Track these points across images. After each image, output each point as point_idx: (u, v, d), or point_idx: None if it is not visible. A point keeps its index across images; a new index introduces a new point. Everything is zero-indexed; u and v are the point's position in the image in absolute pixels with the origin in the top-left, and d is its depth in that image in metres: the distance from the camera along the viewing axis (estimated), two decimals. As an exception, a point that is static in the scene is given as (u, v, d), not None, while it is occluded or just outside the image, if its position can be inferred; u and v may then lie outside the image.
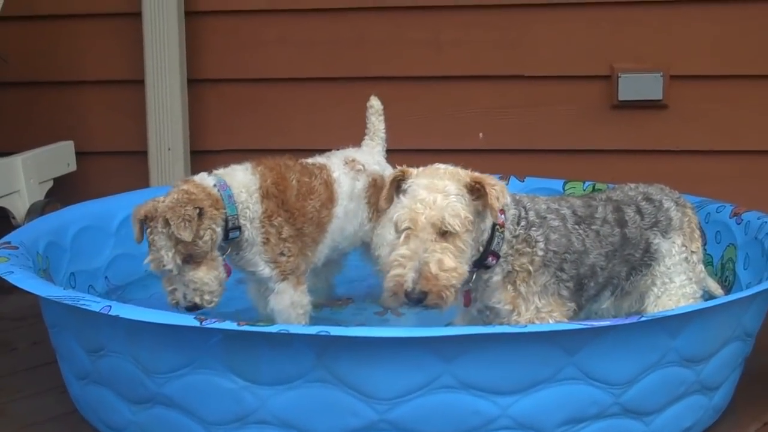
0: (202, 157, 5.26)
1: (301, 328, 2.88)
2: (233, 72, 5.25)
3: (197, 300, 3.35)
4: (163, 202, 3.33)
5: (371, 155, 4.02)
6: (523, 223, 3.05)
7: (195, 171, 5.15)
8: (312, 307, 3.70)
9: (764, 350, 3.55)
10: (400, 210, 2.86)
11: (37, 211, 4.74)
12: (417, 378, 2.76)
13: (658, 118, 4.96)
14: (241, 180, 3.54)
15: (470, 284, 3.04)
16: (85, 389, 3.21)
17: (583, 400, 2.87)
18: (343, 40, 5.13)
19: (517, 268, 3.03)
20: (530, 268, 3.03)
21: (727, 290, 3.76)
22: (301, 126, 5.20)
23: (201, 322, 2.77)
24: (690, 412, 3.09)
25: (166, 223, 3.28)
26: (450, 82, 5.11)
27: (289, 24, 5.17)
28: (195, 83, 5.23)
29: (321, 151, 4.01)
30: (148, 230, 3.34)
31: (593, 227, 3.17)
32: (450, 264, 2.81)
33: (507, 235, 3.02)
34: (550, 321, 3.03)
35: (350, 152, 3.98)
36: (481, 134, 5.09)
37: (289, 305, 3.60)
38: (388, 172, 3.99)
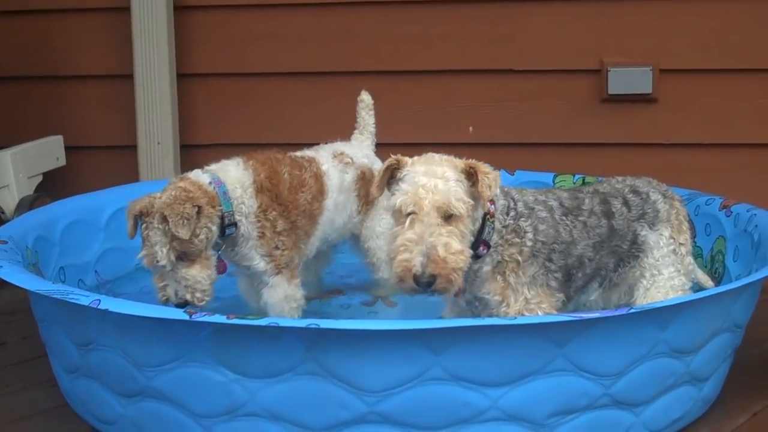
0: (191, 152, 5.26)
1: (290, 321, 2.87)
2: (223, 66, 5.24)
3: (188, 297, 3.34)
4: (160, 198, 3.32)
5: (359, 148, 4.03)
6: (512, 213, 3.06)
7: (185, 165, 5.20)
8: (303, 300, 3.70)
9: (753, 342, 3.57)
10: (402, 195, 2.87)
11: (26, 205, 4.73)
12: (407, 370, 2.76)
13: (647, 112, 4.96)
14: (234, 175, 3.53)
15: None
16: (75, 383, 3.20)
17: (573, 392, 2.87)
18: (333, 34, 5.13)
19: (507, 258, 3.04)
20: (519, 258, 3.04)
21: (717, 282, 3.77)
22: (291, 120, 5.20)
23: (190, 316, 2.77)
24: (680, 404, 3.10)
25: (163, 219, 3.27)
26: (440, 77, 5.11)
27: (279, 19, 5.16)
28: (184, 78, 5.22)
29: (311, 145, 4.01)
30: (144, 226, 3.33)
31: (580, 218, 3.18)
32: (457, 247, 2.82)
33: (497, 225, 3.03)
34: (539, 312, 3.04)
35: (338, 146, 3.98)
36: (471, 128, 5.09)
37: (283, 299, 3.60)
38: (377, 165, 4.00)
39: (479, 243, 2.99)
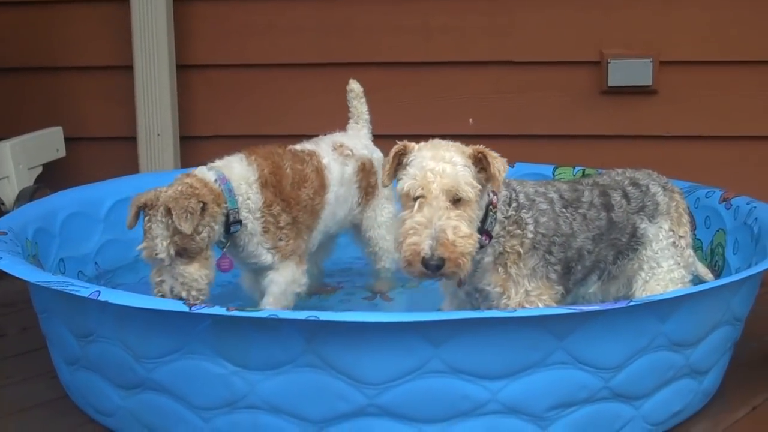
0: (191, 143, 5.26)
1: (290, 313, 2.87)
2: (222, 58, 5.24)
3: (184, 294, 3.32)
4: (166, 192, 3.31)
5: (358, 139, 4.02)
6: (514, 204, 3.06)
7: (184, 157, 5.20)
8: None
9: (753, 335, 3.57)
10: (410, 180, 2.86)
11: (26, 197, 4.73)
12: (406, 363, 2.76)
13: (647, 104, 4.96)
14: (239, 172, 3.51)
15: None
16: (75, 375, 3.20)
17: (572, 385, 2.87)
18: (333, 26, 5.12)
19: (508, 250, 3.03)
20: (520, 250, 3.03)
21: (717, 275, 3.77)
22: (291, 112, 5.19)
23: (190, 308, 2.76)
24: (679, 396, 3.10)
25: (168, 212, 3.25)
26: (439, 68, 5.10)
27: (279, 10, 5.16)
28: (184, 69, 5.22)
29: (310, 137, 4.01)
30: (147, 218, 3.31)
31: (580, 211, 3.17)
32: (466, 230, 2.82)
33: (499, 215, 3.03)
34: (540, 304, 3.04)
35: (337, 137, 3.97)
36: (471, 120, 5.09)
37: (291, 280, 3.59)
38: (377, 155, 4.00)
39: (482, 233, 2.99)
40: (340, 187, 3.81)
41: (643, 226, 3.31)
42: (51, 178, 5.06)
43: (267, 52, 5.19)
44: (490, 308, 3.10)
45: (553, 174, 4.42)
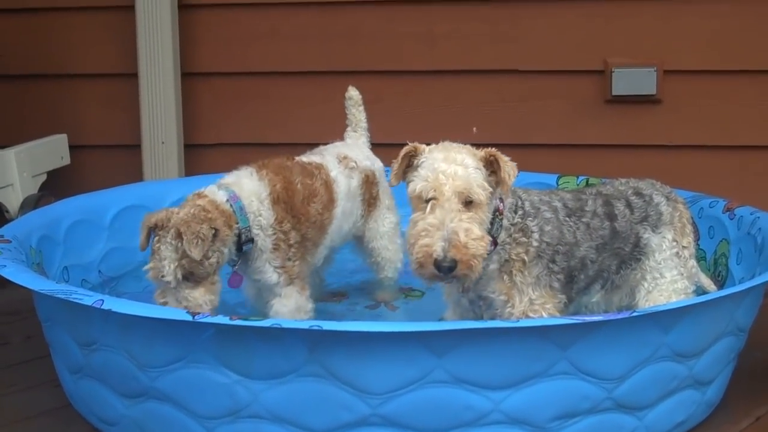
0: (195, 151, 5.26)
1: (293, 322, 2.87)
2: (226, 66, 5.24)
3: None
4: (178, 214, 3.27)
5: (360, 150, 4.00)
6: (520, 212, 3.06)
7: (188, 165, 5.20)
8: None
9: (757, 345, 3.57)
10: (422, 182, 2.86)
11: (30, 204, 4.74)
12: (409, 372, 2.76)
13: (651, 113, 4.96)
14: (249, 188, 3.47)
15: None
16: (79, 383, 3.20)
17: (575, 395, 2.87)
18: (337, 33, 5.13)
19: (514, 257, 3.03)
20: (525, 258, 3.03)
21: (720, 285, 3.77)
22: (294, 120, 5.20)
23: (194, 317, 2.77)
24: (683, 407, 3.10)
25: (178, 235, 3.21)
26: (443, 76, 5.11)
27: (282, 18, 5.17)
28: (188, 77, 5.23)
29: (314, 145, 4.01)
30: (156, 238, 3.27)
31: (583, 220, 3.17)
32: (478, 233, 2.82)
33: (505, 222, 3.03)
34: (543, 313, 3.04)
35: (340, 148, 3.94)
36: (474, 128, 5.09)
37: (295, 309, 3.54)
38: (378, 165, 3.99)
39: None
40: (347, 201, 3.79)
41: (646, 236, 3.30)
42: (55, 185, 5.07)
43: (271, 60, 5.19)
44: (493, 316, 3.10)
45: (557, 183, 4.43)
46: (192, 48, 5.22)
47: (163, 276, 3.25)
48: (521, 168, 4.43)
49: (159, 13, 5.06)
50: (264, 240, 3.47)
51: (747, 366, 3.50)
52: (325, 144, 4.00)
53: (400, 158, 2.96)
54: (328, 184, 3.69)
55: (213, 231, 3.26)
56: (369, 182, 3.89)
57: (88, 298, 2.89)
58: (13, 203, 4.80)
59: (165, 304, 3.29)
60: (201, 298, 3.28)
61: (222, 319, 2.77)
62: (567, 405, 2.87)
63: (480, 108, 5.09)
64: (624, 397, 2.93)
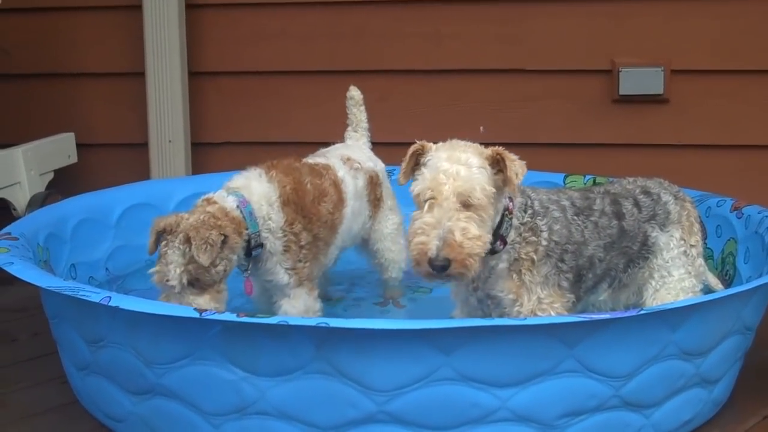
0: (202, 150, 5.27)
1: (300, 319, 2.87)
2: (233, 65, 5.25)
3: None
4: (187, 219, 3.25)
5: (361, 151, 3.99)
6: (529, 211, 3.05)
7: (195, 163, 5.21)
8: None
9: (764, 344, 3.56)
10: (421, 184, 2.86)
11: (37, 202, 4.75)
12: (416, 370, 2.76)
13: (658, 113, 4.96)
14: (259, 191, 3.44)
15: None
16: (86, 380, 3.21)
17: (582, 393, 2.87)
18: (343, 33, 5.13)
19: (523, 256, 3.03)
20: (534, 257, 3.03)
21: (728, 284, 3.76)
22: (301, 119, 5.20)
23: (201, 314, 2.77)
24: (690, 406, 3.09)
25: (187, 240, 3.20)
26: (450, 76, 5.11)
27: (289, 17, 5.17)
28: (195, 76, 5.24)
29: (321, 144, 4.01)
30: (164, 243, 3.25)
31: (591, 218, 3.17)
32: (475, 232, 2.81)
33: (515, 221, 3.02)
34: (552, 312, 3.03)
35: (342, 150, 3.93)
36: (482, 128, 5.09)
37: (304, 311, 3.53)
38: (380, 166, 3.99)
39: (497, 238, 2.99)
40: (356, 201, 3.77)
41: (654, 234, 3.30)
42: (62, 183, 5.08)
43: (278, 59, 5.20)
44: (502, 315, 3.09)
45: (564, 182, 4.42)
46: (199, 47, 5.23)
47: (167, 280, 3.23)
48: (528, 167, 4.45)
49: (166, 13, 5.07)
50: (273, 243, 3.45)
51: (754, 365, 3.50)
52: (329, 145, 4.00)
53: (408, 157, 2.96)
54: (336, 184, 3.68)
55: (222, 238, 3.24)
56: (373, 183, 3.89)
57: (95, 295, 2.89)
58: (20, 201, 4.81)
59: None
60: (206, 305, 3.24)
61: (229, 316, 2.77)
62: (574, 403, 2.87)
63: (487, 107, 5.09)
64: (631, 395, 2.93)
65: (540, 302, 3.04)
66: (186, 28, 5.16)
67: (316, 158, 3.83)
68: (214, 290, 3.28)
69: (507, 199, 3.01)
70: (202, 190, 3.52)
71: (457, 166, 2.85)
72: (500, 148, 2.94)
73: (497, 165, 2.91)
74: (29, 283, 3.08)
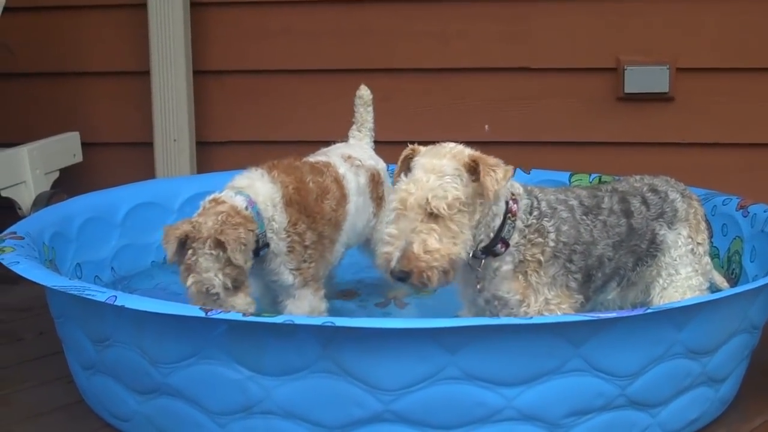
0: (207, 148, 5.27)
1: (306, 318, 2.87)
2: (238, 63, 5.25)
3: None
4: (206, 223, 3.19)
5: (363, 150, 3.98)
6: (535, 213, 3.04)
7: (200, 162, 5.21)
8: None
9: (770, 343, 3.56)
10: (396, 192, 2.90)
11: (43, 201, 4.75)
12: (422, 369, 2.76)
13: (664, 111, 4.95)
14: (263, 192, 3.41)
15: (479, 270, 3.03)
16: (91, 379, 3.21)
17: (588, 392, 2.86)
18: (349, 31, 5.13)
19: (529, 258, 3.02)
20: (541, 258, 3.02)
21: (734, 283, 3.76)
22: (306, 117, 5.20)
23: (206, 313, 2.77)
24: (696, 404, 3.09)
25: (218, 244, 3.15)
26: (456, 74, 5.10)
27: (294, 15, 5.17)
28: (200, 74, 5.23)
29: (325, 143, 4.01)
30: (190, 252, 3.18)
31: (600, 217, 3.16)
32: (434, 245, 2.81)
33: (519, 224, 3.02)
34: (559, 312, 3.03)
35: (343, 149, 3.92)
36: (487, 126, 5.08)
37: (309, 311, 3.52)
38: (381, 165, 3.99)
39: (498, 240, 2.98)
40: (359, 197, 3.77)
41: (662, 232, 3.29)
42: (68, 182, 5.08)
43: (283, 58, 5.20)
44: (509, 316, 3.09)
45: (570, 181, 4.42)
46: (204, 46, 5.23)
47: (209, 288, 3.19)
48: (533, 165, 4.48)
49: (171, 11, 5.07)
50: (278, 244, 3.43)
51: (761, 363, 3.49)
52: (332, 143, 4.00)
53: (400, 161, 2.99)
54: (338, 181, 3.68)
55: (251, 233, 3.23)
56: (375, 181, 3.88)
57: (101, 294, 2.89)
58: (25, 200, 4.81)
59: None
60: (243, 303, 3.24)
61: (235, 315, 2.78)
62: (580, 402, 2.87)
63: (492, 106, 5.08)
64: (637, 394, 2.92)
65: (547, 303, 3.03)
66: (191, 26, 5.15)
67: (317, 157, 3.83)
68: (245, 287, 3.28)
69: (510, 201, 3.00)
70: (208, 189, 3.51)
71: (428, 174, 2.85)
72: (478, 154, 2.93)
73: (476, 172, 2.89)
74: (35, 283, 3.08)
